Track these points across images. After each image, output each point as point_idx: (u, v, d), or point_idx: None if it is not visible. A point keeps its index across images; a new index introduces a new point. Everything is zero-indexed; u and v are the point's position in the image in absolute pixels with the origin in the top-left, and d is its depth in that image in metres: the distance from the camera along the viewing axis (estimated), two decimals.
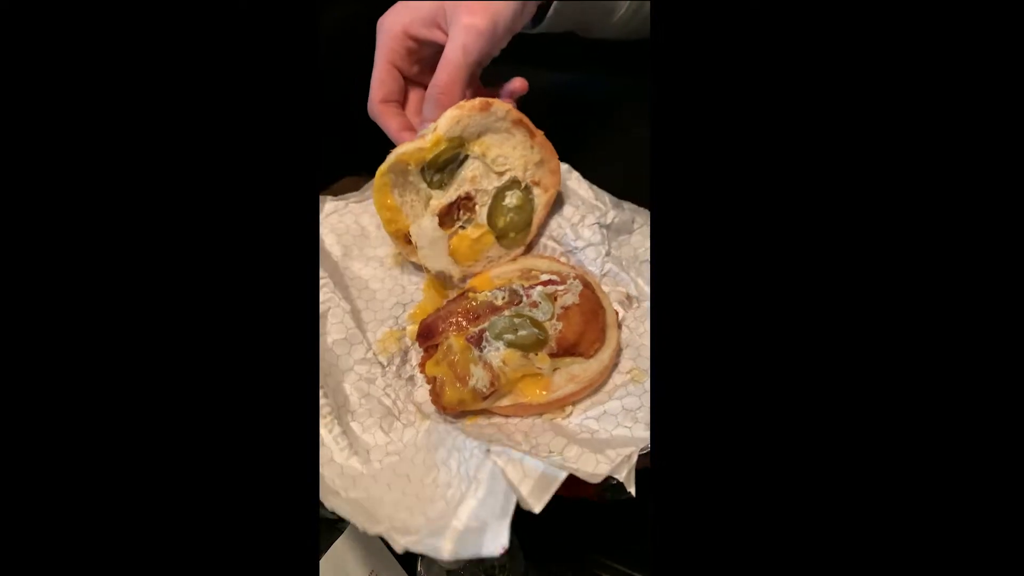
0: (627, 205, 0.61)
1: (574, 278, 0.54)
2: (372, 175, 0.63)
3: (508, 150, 0.56)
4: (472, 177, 0.57)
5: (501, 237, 0.59)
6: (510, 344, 0.51)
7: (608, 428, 0.50)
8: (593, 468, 0.45)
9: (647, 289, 0.57)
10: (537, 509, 0.40)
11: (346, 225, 0.63)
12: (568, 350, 0.52)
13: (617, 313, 0.56)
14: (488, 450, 0.44)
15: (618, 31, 0.64)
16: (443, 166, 0.56)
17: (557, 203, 0.61)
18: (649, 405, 0.50)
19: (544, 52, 0.69)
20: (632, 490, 0.44)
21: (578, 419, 0.51)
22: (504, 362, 0.51)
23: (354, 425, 0.52)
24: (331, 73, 0.57)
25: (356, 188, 0.67)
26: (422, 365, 0.55)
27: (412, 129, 0.59)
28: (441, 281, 0.60)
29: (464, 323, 0.53)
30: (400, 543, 0.40)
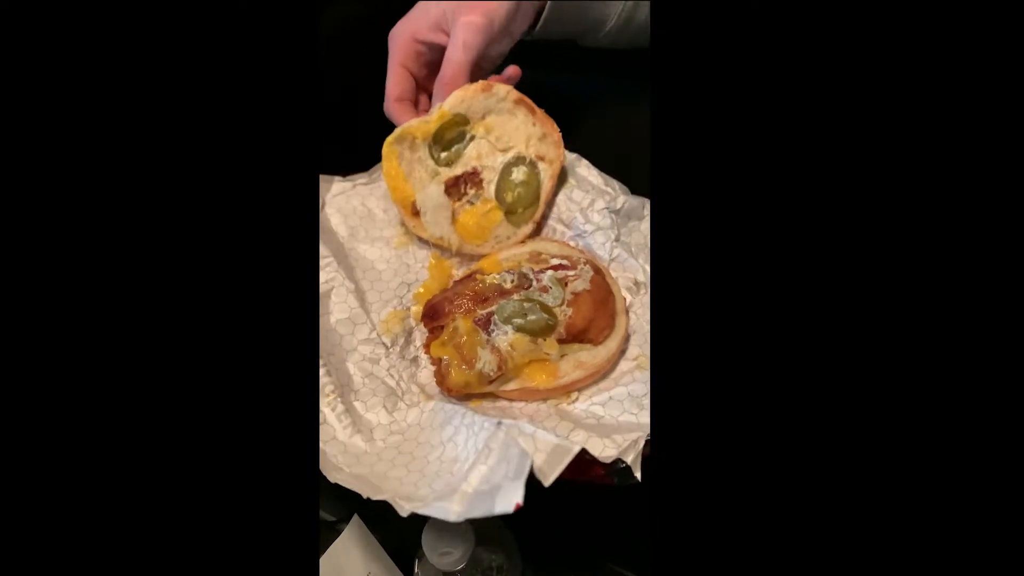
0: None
1: (584, 263, 0.54)
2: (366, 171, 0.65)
3: (511, 129, 0.59)
4: (478, 155, 0.59)
5: (510, 213, 0.59)
6: (519, 328, 0.51)
7: (614, 414, 0.50)
8: (600, 452, 0.45)
9: None
10: (548, 482, 0.40)
11: (353, 206, 0.63)
12: (577, 336, 0.52)
13: (625, 300, 0.56)
14: (499, 422, 0.44)
15: (612, 40, 0.68)
16: (448, 144, 0.59)
17: (567, 187, 0.61)
18: None
19: (546, 57, 0.70)
20: (639, 475, 0.44)
21: (584, 405, 0.51)
22: (512, 346, 0.51)
23: (357, 404, 0.52)
24: (331, 73, 0.58)
25: None
26: (427, 346, 0.55)
27: None
28: (440, 252, 0.61)
29: (471, 305, 0.53)
30: (405, 508, 0.40)
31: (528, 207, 0.59)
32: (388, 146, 0.58)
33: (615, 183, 0.61)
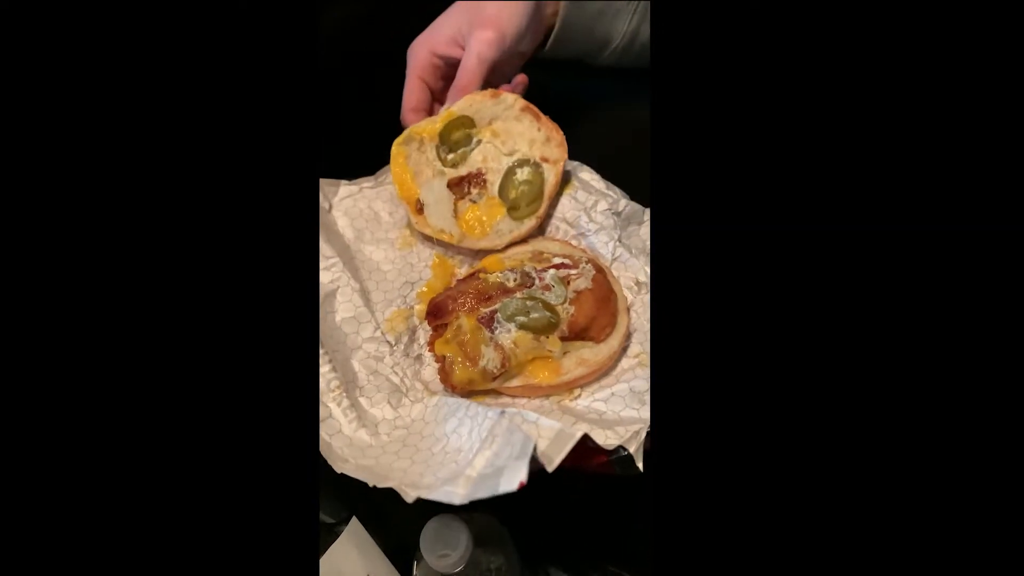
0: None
1: (586, 262, 0.55)
2: (372, 175, 0.66)
3: (516, 134, 0.61)
4: (483, 158, 0.61)
5: (513, 209, 0.60)
6: (522, 326, 0.52)
7: (616, 409, 0.51)
8: (603, 441, 0.45)
9: None
10: (552, 467, 0.40)
11: (359, 209, 0.64)
12: (579, 334, 0.53)
13: (627, 299, 0.57)
14: (503, 412, 0.44)
15: (618, 58, 0.72)
16: (455, 146, 0.61)
17: (571, 189, 0.62)
18: None
19: (554, 65, 0.72)
20: (640, 465, 0.45)
21: (586, 401, 0.52)
22: (515, 344, 0.52)
23: (362, 400, 0.52)
24: (331, 73, 0.59)
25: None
26: (431, 344, 0.56)
27: None
28: (444, 251, 0.62)
29: (475, 303, 0.54)
30: (411, 494, 0.40)
31: (531, 203, 0.60)
32: (396, 146, 0.60)
33: (616, 189, 0.62)
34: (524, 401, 0.53)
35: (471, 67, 0.60)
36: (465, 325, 0.53)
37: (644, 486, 0.39)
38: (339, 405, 0.51)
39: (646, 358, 0.54)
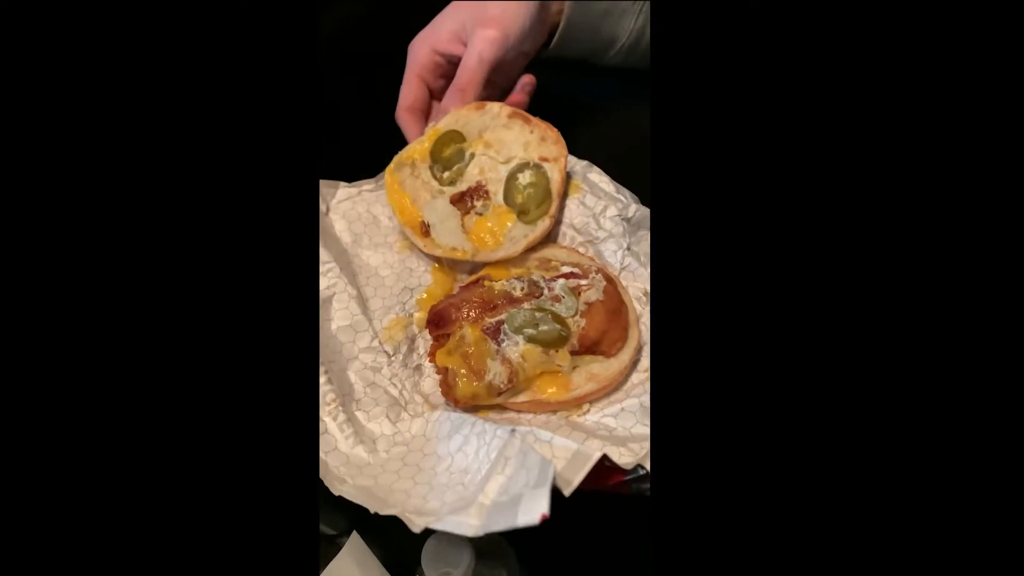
0: None
1: (596, 272, 0.53)
2: (372, 176, 0.64)
3: (509, 141, 0.59)
4: (480, 171, 0.59)
5: (523, 213, 0.57)
6: (530, 339, 0.49)
7: (627, 425, 0.48)
8: (618, 459, 0.43)
9: None
10: (569, 491, 0.38)
11: (358, 212, 0.61)
12: (589, 348, 0.50)
13: (636, 310, 0.55)
14: (513, 430, 0.42)
15: (623, 59, 0.71)
16: (449, 163, 0.59)
17: (579, 193, 0.60)
18: None
19: (557, 65, 0.71)
20: None
21: (595, 417, 0.50)
22: (523, 357, 0.49)
23: (359, 414, 0.50)
24: (331, 73, 0.58)
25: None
26: (431, 354, 0.53)
27: None
28: (452, 265, 0.59)
29: (479, 313, 0.51)
30: (417, 523, 0.38)
31: (540, 204, 0.57)
32: (390, 174, 0.59)
33: (626, 192, 0.60)
34: (530, 416, 0.51)
35: (472, 66, 0.59)
36: (469, 336, 0.50)
37: (648, 502, 0.37)
38: (335, 419, 0.49)
39: None
